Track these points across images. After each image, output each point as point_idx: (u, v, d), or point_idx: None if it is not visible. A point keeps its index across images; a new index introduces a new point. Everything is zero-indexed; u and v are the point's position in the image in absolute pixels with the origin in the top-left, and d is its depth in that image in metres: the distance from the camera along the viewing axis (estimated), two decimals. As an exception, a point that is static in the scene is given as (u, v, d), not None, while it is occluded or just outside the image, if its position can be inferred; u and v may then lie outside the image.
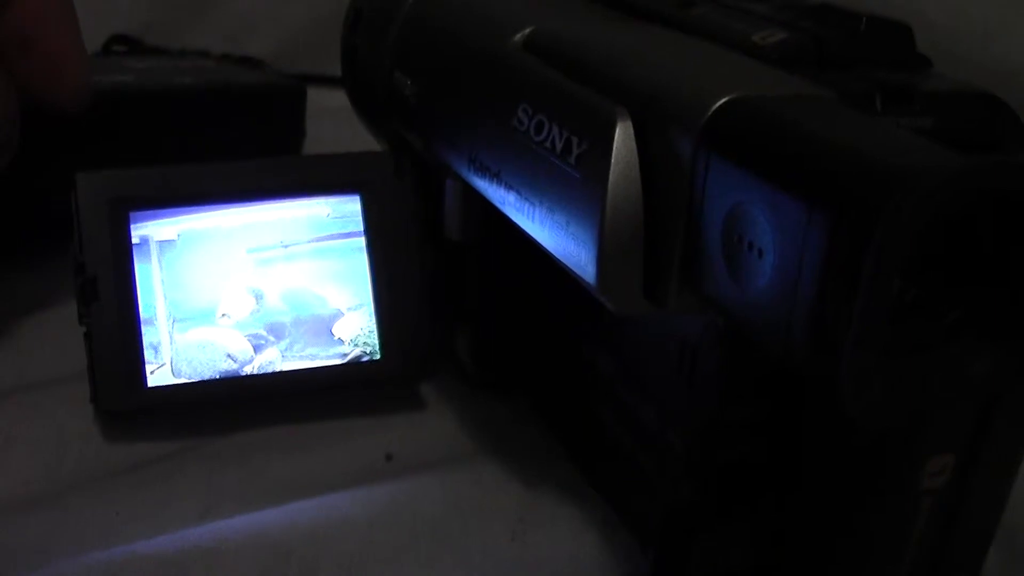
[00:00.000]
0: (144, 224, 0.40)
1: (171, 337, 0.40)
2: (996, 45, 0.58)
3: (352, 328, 0.42)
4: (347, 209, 0.42)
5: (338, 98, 0.52)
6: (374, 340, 0.42)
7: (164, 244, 0.40)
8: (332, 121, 0.55)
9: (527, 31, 0.34)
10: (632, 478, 0.36)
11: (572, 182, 0.29)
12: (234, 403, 0.41)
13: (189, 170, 0.41)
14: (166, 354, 0.40)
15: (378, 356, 0.42)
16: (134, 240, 0.40)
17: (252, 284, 0.41)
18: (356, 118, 0.50)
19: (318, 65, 0.71)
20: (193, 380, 0.40)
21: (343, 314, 0.42)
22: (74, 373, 0.40)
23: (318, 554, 0.35)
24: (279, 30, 0.80)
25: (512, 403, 0.43)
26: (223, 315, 0.41)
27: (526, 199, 0.31)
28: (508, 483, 0.38)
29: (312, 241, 0.42)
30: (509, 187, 0.32)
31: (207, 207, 0.41)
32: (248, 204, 0.41)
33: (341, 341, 0.42)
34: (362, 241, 0.42)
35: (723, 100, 0.26)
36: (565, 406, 0.40)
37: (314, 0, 0.78)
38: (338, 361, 0.42)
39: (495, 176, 0.33)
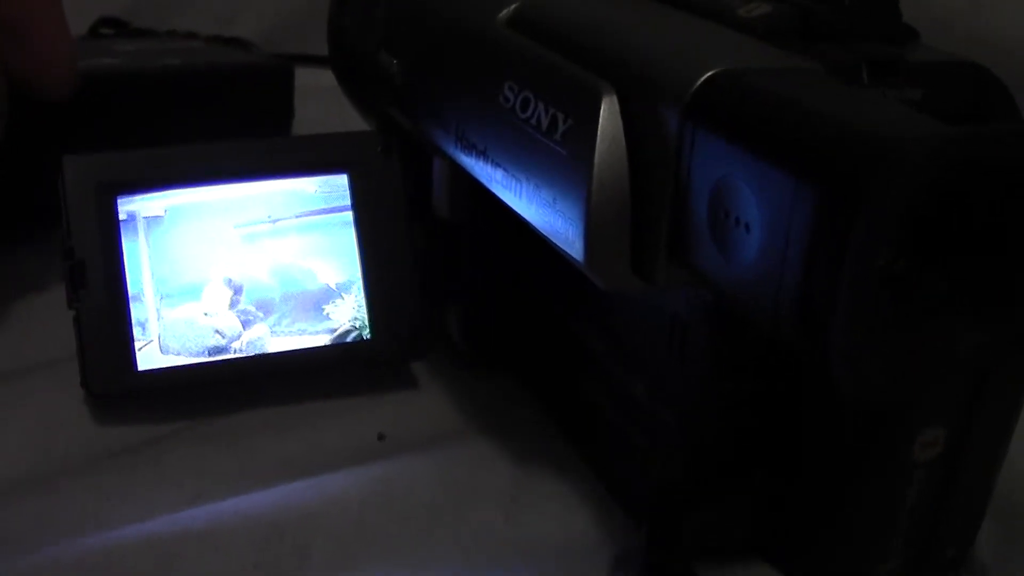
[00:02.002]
0: (131, 200, 0.40)
1: (159, 313, 0.40)
2: (985, 16, 0.58)
3: (342, 303, 0.42)
4: (334, 184, 0.42)
5: (326, 78, 0.52)
6: (363, 315, 0.42)
7: (151, 220, 0.40)
8: (320, 101, 0.55)
9: (512, 8, 0.34)
10: (625, 454, 0.36)
11: (558, 159, 0.29)
12: (226, 384, 0.41)
13: (176, 152, 0.41)
14: (153, 331, 0.40)
15: (368, 334, 0.42)
16: (121, 216, 0.40)
17: (231, 275, 0.41)
18: (344, 98, 0.50)
19: (306, 46, 0.70)
20: (183, 360, 0.40)
21: (332, 289, 0.42)
22: (64, 357, 0.40)
23: (311, 534, 0.35)
24: (267, 11, 0.80)
25: (504, 381, 0.43)
26: (204, 313, 0.41)
27: (513, 176, 0.31)
28: (501, 461, 0.38)
29: (300, 216, 0.42)
30: (496, 165, 0.32)
31: (194, 187, 0.41)
32: (235, 183, 0.41)
33: (330, 316, 0.42)
34: (350, 216, 0.42)
35: (708, 73, 0.26)
36: (557, 383, 0.40)
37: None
38: (327, 336, 0.41)
39: (482, 154, 0.33)
